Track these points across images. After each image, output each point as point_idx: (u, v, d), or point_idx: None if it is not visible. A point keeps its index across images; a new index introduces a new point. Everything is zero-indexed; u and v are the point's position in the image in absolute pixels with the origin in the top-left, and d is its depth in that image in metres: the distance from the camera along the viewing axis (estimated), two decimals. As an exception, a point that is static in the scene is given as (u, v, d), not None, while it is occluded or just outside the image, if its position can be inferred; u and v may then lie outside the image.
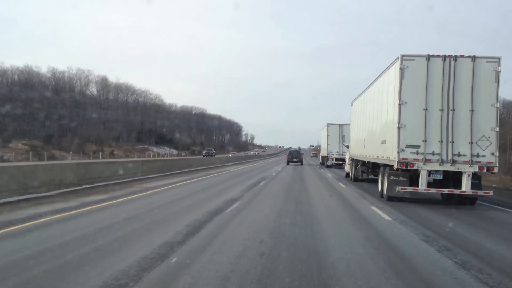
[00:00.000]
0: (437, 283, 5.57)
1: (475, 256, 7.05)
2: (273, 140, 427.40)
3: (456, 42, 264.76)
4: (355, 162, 24.52)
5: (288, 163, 52.85)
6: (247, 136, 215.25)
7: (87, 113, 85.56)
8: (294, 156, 53.89)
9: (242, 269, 5.77)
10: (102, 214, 10.90)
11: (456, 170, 13.13)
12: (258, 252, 6.75)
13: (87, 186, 17.54)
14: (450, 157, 13.10)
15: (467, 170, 13.00)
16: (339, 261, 6.40)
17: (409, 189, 13.64)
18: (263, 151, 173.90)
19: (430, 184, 13.46)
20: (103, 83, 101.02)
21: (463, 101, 13.09)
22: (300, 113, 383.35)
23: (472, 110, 13.04)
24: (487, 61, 13.07)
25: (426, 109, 13.22)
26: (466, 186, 13.01)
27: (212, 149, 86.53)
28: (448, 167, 13.14)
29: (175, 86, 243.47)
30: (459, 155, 13.08)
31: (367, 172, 22.72)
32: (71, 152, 57.65)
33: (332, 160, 43.73)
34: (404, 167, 13.35)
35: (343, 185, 21.42)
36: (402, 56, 13.42)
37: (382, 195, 15.35)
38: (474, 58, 13.09)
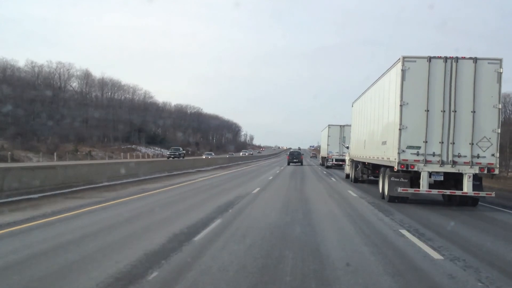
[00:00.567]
0: None
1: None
2: (273, 141, 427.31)
3: (457, 41, 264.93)
4: (355, 163, 24.50)
5: (288, 164, 54.29)
6: (246, 136, 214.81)
7: (68, 110, 77.73)
8: (295, 157, 55.59)
9: None
10: None
11: (457, 171, 13.12)
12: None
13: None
14: (450, 158, 13.09)
15: (468, 172, 12.99)
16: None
17: (410, 190, 13.61)
18: (258, 152, 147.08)
19: (431, 185, 13.45)
20: (86, 77, 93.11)
21: (464, 102, 13.09)
22: (300, 113, 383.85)
23: (474, 111, 13.03)
24: (488, 63, 13.08)
25: (428, 110, 13.21)
26: (467, 187, 13.00)
27: (180, 148, 65.52)
28: (448, 169, 13.13)
29: (174, 86, 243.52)
30: (459, 156, 13.07)
31: (367, 173, 22.69)
32: (41, 153, 50.67)
33: (332, 161, 44.03)
34: (404, 168, 13.34)
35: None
36: (404, 57, 13.41)
37: (383, 196, 15.33)
38: (475, 60, 13.09)
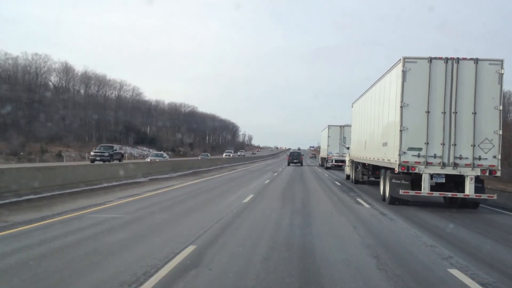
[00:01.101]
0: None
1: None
2: (273, 141, 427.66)
3: (456, 41, 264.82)
4: (355, 164, 24.40)
5: (289, 164, 55.33)
6: (244, 136, 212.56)
7: (43, 107, 70.64)
8: (295, 158, 56.64)
9: None
10: None
11: (458, 173, 13.01)
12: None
13: None
14: (451, 160, 12.99)
15: (469, 174, 12.88)
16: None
17: (412, 192, 13.45)
18: (253, 153, 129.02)
19: (432, 187, 13.33)
20: (65, 71, 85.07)
21: (465, 104, 12.99)
22: (300, 113, 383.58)
23: (475, 113, 12.93)
24: (490, 63, 12.98)
25: (428, 112, 13.11)
26: (469, 189, 12.88)
27: (114, 145, 43.41)
28: (449, 171, 13.02)
29: (174, 86, 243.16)
30: (460, 158, 12.96)
31: (367, 174, 22.59)
32: (3, 154, 47.37)
33: (332, 162, 43.82)
34: (405, 170, 13.23)
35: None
36: (404, 58, 13.32)
37: (384, 199, 15.22)
38: (476, 61, 12.99)
